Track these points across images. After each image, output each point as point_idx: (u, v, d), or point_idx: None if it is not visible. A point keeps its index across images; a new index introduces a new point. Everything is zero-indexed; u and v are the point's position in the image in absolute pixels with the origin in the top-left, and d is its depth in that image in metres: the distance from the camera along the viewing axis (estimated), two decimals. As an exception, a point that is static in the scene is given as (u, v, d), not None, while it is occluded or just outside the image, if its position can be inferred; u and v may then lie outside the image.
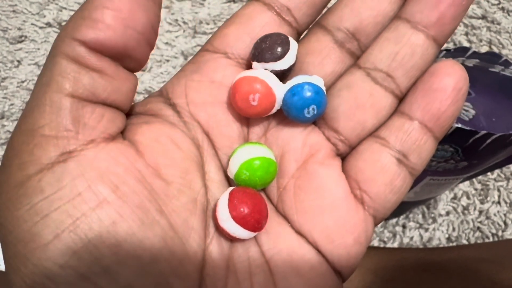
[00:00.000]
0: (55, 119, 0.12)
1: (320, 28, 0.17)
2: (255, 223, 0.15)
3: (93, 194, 0.12)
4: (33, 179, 0.12)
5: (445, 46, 0.45)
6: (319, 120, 0.17)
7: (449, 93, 0.15)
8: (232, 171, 0.16)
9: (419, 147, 0.16)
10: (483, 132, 0.22)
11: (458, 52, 0.25)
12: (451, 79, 0.15)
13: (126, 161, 0.13)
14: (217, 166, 0.16)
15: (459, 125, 0.22)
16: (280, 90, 0.16)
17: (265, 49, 0.15)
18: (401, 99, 0.17)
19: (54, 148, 0.12)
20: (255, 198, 0.15)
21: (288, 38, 0.16)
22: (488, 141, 0.23)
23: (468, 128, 0.22)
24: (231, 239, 0.15)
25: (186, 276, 0.14)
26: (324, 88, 0.16)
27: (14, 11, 0.50)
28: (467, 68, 0.27)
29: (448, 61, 0.15)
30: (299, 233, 0.16)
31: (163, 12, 0.49)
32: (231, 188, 0.15)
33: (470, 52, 0.25)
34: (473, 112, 0.28)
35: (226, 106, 0.16)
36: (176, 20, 0.50)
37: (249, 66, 0.16)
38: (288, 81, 0.16)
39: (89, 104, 0.13)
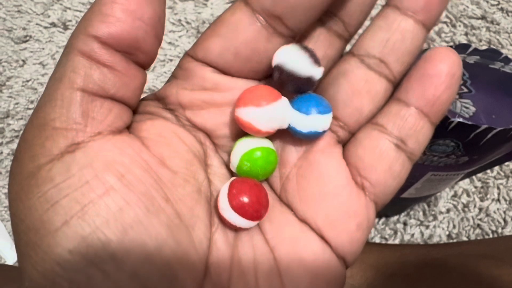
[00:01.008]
0: (66, 113, 0.13)
1: None
2: (253, 212, 0.15)
3: (100, 182, 0.13)
4: (44, 169, 0.13)
5: (445, 44, 0.46)
6: None
7: (443, 78, 0.15)
8: (233, 163, 0.16)
9: (416, 132, 0.16)
10: (484, 126, 0.22)
11: (459, 49, 0.26)
12: (445, 65, 0.15)
13: (132, 152, 0.14)
14: (219, 160, 0.17)
15: (461, 120, 0.22)
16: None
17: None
18: (394, 83, 0.17)
19: (63, 139, 0.13)
20: (254, 187, 0.16)
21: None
22: (489, 135, 0.23)
23: (469, 123, 0.22)
24: (234, 229, 0.16)
25: (191, 265, 0.14)
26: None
27: (19, 11, 0.51)
28: (468, 65, 0.27)
29: (442, 48, 0.16)
30: (302, 220, 0.16)
31: (167, 12, 0.50)
32: (232, 178, 0.16)
33: (471, 49, 0.26)
34: (473, 109, 0.28)
35: (222, 110, 0.16)
36: (180, 20, 0.50)
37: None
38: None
39: (98, 99, 0.13)
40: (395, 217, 0.42)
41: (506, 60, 0.26)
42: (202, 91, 0.16)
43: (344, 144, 0.18)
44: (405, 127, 0.16)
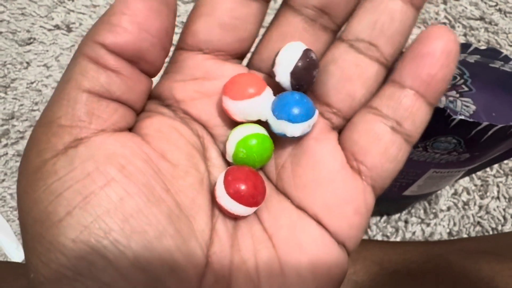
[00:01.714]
0: (71, 111, 0.14)
1: (288, 8, 0.17)
2: (249, 197, 0.15)
3: (101, 174, 0.13)
4: (49, 163, 0.13)
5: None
6: (310, 96, 0.17)
7: (438, 56, 0.15)
8: (229, 152, 0.16)
9: (412, 114, 0.16)
10: (485, 123, 0.23)
11: (460, 48, 0.27)
12: (440, 43, 0.15)
13: (132, 145, 0.15)
14: (217, 152, 0.17)
15: (462, 117, 0.23)
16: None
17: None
18: (387, 66, 0.17)
19: (68, 136, 0.14)
20: (250, 174, 0.16)
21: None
22: (490, 132, 0.24)
23: (470, 120, 0.23)
24: (232, 217, 0.16)
25: (193, 253, 0.14)
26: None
27: (23, 13, 0.51)
28: (469, 64, 0.28)
29: (436, 26, 0.15)
30: (299, 208, 0.17)
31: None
32: (222, 175, 0.16)
33: (471, 48, 0.26)
34: (473, 107, 0.29)
35: (213, 99, 0.17)
36: (182, 22, 0.51)
37: (225, 56, 0.17)
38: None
39: (104, 100, 0.14)
40: (397, 215, 0.43)
41: (506, 59, 0.26)
42: (194, 81, 0.17)
43: (341, 130, 0.17)
44: (400, 109, 0.16)
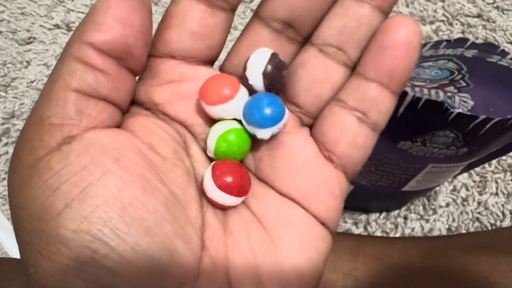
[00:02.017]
0: (61, 110, 0.14)
1: (258, 20, 0.18)
2: (239, 188, 0.16)
3: (97, 166, 0.14)
4: (43, 160, 0.14)
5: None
6: (282, 97, 0.18)
7: (400, 47, 0.15)
8: (210, 147, 0.17)
9: (377, 104, 0.16)
10: (482, 116, 0.23)
11: (458, 43, 0.27)
12: (401, 34, 0.15)
13: (124, 139, 0.15)
14: (198, 148, 0.18)
15: (460, 110, 0.23)
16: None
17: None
18: (353, 67, 0.17)
19: (60, 133, 0.14)
20: (235, 166, 0.17)
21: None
22: (488, 126, 0.24)
23: (468, 113, 0.23)
24: (223, 208, 0.17)
25: (189, 238, 0.15)
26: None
27: (22, 13, 0.51)
28: (466, 59, 0.28)
29: (397, 16, 0.15)
30: (281, 194, 0.17)
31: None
32: (209, 168, 0.17)
33: (469, 43, 0.26)
34: (471, 103, 0.29)
35: (190, 100, 0.17)
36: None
37: (197, 62, 0.18)
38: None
39: (93, 99, 0.15)
40: (396, 212, 0.43)
41: (503, 53, 0.26)
42: (170, 84, 0.17)
43: (311, 125, 0.18)
44: (366, 100, 0.16)
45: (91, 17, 0.14)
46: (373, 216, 0.43)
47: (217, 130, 0.17)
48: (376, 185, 0.35)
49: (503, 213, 0.43)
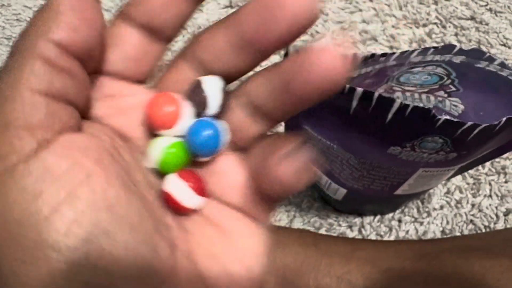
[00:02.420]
0: (29, 112, 0.13)
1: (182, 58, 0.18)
2: (205, 189, 0.17)
3: (80, 168, 0.14)
4: (19, 166, 0.13)
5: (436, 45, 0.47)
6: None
7: None
8: (154, 158, 0.17)
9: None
10: (469, 123, 0.23)
11: (445, 49, 0.27)
12: None
13: (97, 141, 0.15)
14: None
15: (447, 117, 0.23)
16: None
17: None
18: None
19: (32, 137, 0.13)
20: (194, 171, 0.17)
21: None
22: (475, 131, 0.24)
23: (455, 120, 0.23)
24: (188, 212, 0.17)
25: (165, 235, 0.16)
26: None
27: (17, 19, 0.52)
28: (455, 65, 0.28)
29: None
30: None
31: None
32: (172, 174, 0.17)
33: (456, 49, 0.27)
34: (462, 107, 0.29)
35: (130, 113, 0.17)
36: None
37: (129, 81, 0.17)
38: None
39: (61, 102, 0.14)
40: (390, 215, 0.43)
41: (490, 59, 0.27)
42: (108, 98, 0.17)
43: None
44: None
45: (55, 15, 0.14)
46: (368, 219, 0.43)
47: (162, 143, 0.17)
48: (368, 189, 0.35)
49: (496, 215, 0.43)
